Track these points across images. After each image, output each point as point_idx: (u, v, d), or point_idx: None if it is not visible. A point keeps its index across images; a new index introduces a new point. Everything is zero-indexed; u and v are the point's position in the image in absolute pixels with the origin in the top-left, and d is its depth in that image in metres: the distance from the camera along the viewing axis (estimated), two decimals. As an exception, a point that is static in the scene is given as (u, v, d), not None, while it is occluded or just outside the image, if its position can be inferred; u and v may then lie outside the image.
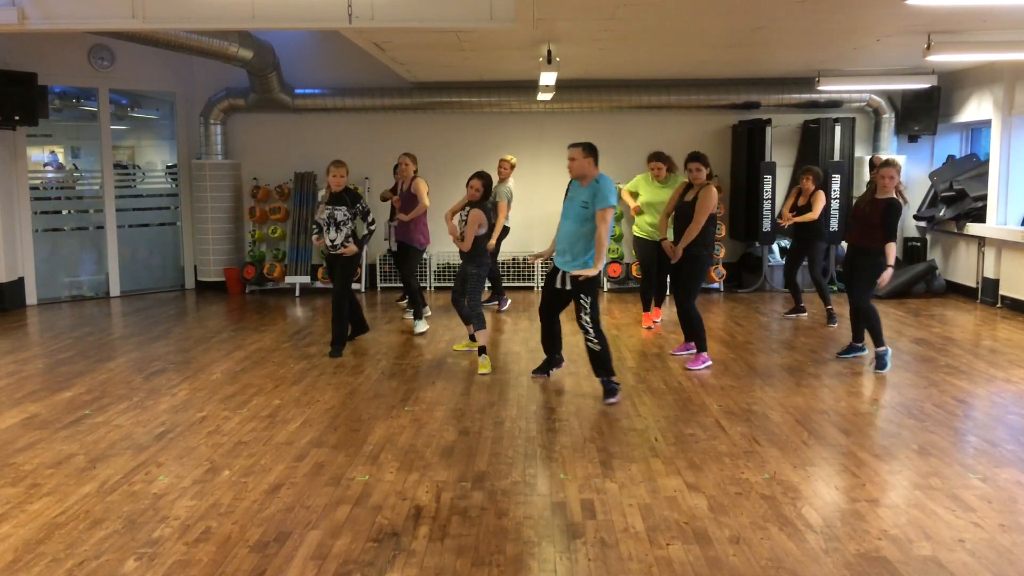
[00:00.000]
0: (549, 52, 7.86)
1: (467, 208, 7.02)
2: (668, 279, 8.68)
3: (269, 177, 11.37)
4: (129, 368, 6.97)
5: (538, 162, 11.37)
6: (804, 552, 3.59)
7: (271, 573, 3.43)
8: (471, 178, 6.91)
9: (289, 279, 10.98)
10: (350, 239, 7.38)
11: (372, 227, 7.48)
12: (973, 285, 10.04)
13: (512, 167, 9.26)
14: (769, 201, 10.39)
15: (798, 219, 8.77)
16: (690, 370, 6.75)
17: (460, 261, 7.20)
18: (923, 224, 10.99)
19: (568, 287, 5.95)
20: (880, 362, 6.72)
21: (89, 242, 10.76)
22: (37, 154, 10.97)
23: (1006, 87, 9.39)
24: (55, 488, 4.35)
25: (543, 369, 6.62)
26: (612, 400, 5.88)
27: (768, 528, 3.83)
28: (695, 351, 6.98)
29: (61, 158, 11.39)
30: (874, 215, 6.66)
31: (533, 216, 11.23)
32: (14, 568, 3.49)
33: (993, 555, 3.57)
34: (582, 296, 5.87)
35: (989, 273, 9.70)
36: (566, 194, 6.06)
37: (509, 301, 9.91)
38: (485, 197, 6.97)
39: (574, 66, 9.35)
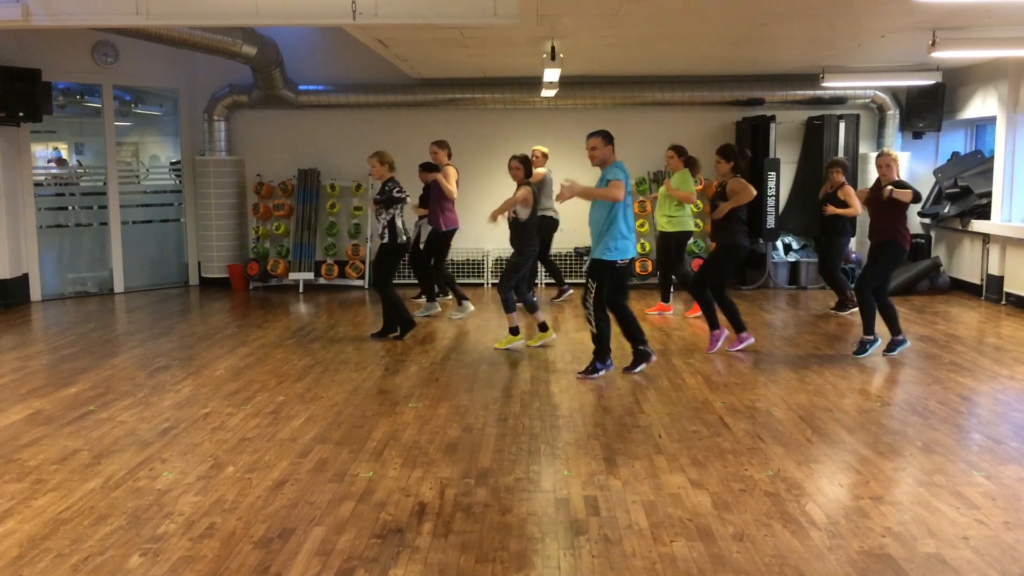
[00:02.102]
0: (553, 48, 7.86)
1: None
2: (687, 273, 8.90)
3: (273, 173, 11.37)
4: (133, 364, 6.98)
5: (541, 159, 11.36)
6: (808, 549, 3.59)
7: (275, 569, 3.44)
8: (511, 159, 7.39)
9: (293, 275, 10.99)
10: (387, 231, 7.67)
11: (390, 214, 7.66)
12: (977, 282, 10.02)
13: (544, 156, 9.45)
14: (773, 198, 10.36)
15: (840, 211, 8.76)
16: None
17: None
18: (927, 221, 10.96)
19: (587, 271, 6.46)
20: (860, 347, 7.06)
21: (93, 238, 10.78)
22: (41, 150, 10.99)
23: (1011, 84, 9.36)
24: (60, 484, 4.36)
25: (635, 364, 6.61)
26: (584, 375, 6.41)
27: (772, 525, 3.83)
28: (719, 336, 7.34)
29: (65, 154, 11.40)
30: (883, 203, 6.84)
31: (536, 213, 11.20)
32: (19, 563, 3.50)
33: (997, 552, 3.56)
34: (590, 280, 6.35)
35: (993, 270, 9.68)
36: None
37: (570, 291, 9.98)
38: (526, 176, 7.32)
39: (578, 63, 9.34)
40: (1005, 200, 9.50)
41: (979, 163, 10.39)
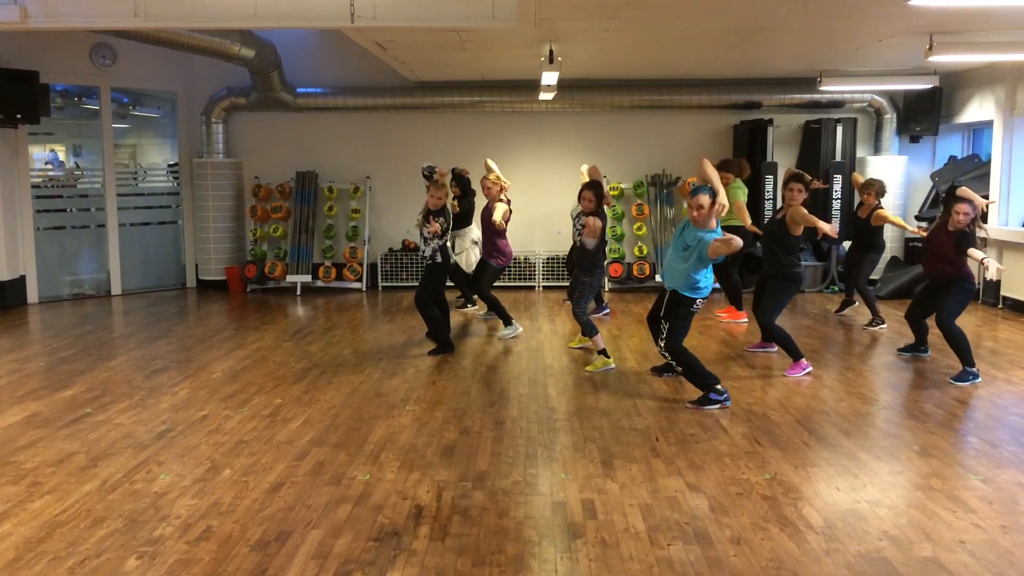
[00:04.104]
0: (551, 52, 7.86)
1: (581, 215, 7.05)
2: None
3: (270, 176, 11.37)
4: (130, 366, 6.98)
5: (539, 161, 11.38)
6: (805, 553, 3.59)
7: (272, 572, 3.43)
8: (583, 189, 6.97)
9: (290, 278, 10.99)
10: (438, 253, 7.30)
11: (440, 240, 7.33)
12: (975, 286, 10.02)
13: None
14: (770, 201, 10.38)
15: (917, 232, 8.26)
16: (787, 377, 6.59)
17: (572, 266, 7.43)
18: (924, 224, 10.97)
19: (662, 311, 5.98)
20: (962, 376, 6.42)
21: (90, 240, 10.77)
22: (39, 152, 10.99)
23: (1008, 88, 9.39)
24: (56, 486, 4.35)
25: (661, 370, 6.61)
26: (694, 405, 5.78)
27: (769, 528, 3.83)
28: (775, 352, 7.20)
29: (63, 156, 11.40)
30: (947, 245, 6.47)
31: (534, 215, 11.23)
32: (15, 566, 3.49)
33: (993, 556, 3.57)
34: (663, 321, 5.93)
35: (990, 274, 9.67)
36: (679, 229, 6.04)
37: (608, 310, 9.52)
38: (599, 206, 6.95)
39: (576, 66, 9.35)
40: (1002, 204, 9.52)
41: (976, 167, 10.41)
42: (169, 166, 11.63)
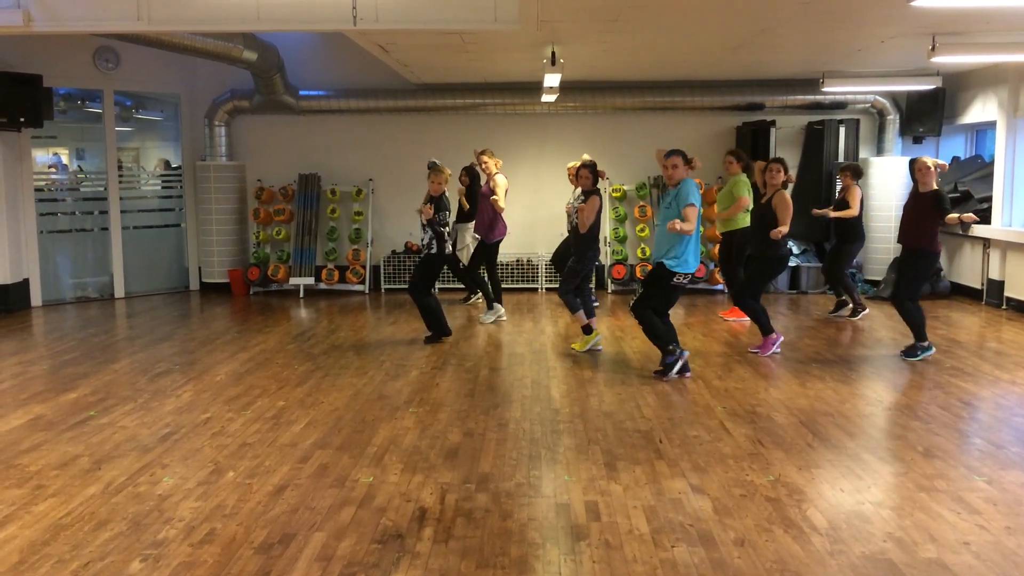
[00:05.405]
0: (553, 54, 7.87)
1: (581, 197, 7.35)
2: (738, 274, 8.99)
3: (273, 179, 11.38)
4: (134, 369, 6.98)
5: (541, 163, 11.38)
6: (809, 554, 3.59)
7: (275, 575, 3.43)
8: (580, 168, 7.33)
9: (293, 280, 11.00)
10: (434, 241, 7.69)
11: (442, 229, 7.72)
12: (978, 287, 10.02)
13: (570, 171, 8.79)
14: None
15: (837, 215, 8.85)
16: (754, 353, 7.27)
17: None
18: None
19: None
20: (910, 351, 7.09)
21: (94, 243, 10.78)
22: (42, 156, 10.99)
23: (1011, 89, 9.38)
24: (60, 489, 4.36)
25: (664, 372, 6.67)
26: (659, 374, 6.51)
27: (773, 530, 3.82)
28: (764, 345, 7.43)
29: (66, 160, 11.41)
30: (926, 205, 6.97)
31: (536, 217, 11.24)
32: (20, 569, 3.49)
33: (998, 557, 3.56)
34: (641, 287, 6.57)
35: (994, 275, 9.68)
36: (660, 201, 6.49)
37: (597, 303, 9.72)
38: (595, 183, 7.30)
39: (578, 68, 9.35)
40: (1005, 205, 9.51)
41: (979, 168, 10.40)
42: (172, 169, 11.64)
